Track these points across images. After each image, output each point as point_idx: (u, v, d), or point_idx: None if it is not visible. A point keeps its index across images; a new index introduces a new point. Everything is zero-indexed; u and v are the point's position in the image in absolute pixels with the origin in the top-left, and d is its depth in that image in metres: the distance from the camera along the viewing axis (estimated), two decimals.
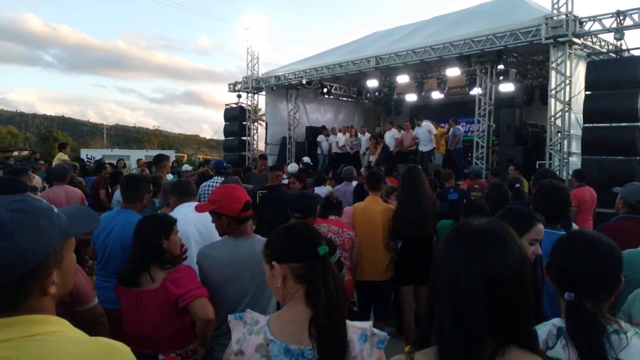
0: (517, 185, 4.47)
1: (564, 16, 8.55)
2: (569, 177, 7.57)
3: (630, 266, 2.46)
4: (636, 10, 8.04)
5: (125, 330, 2.38)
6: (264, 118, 16.84)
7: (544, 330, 1.37)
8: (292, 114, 15.88)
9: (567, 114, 8.82)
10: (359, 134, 13.91)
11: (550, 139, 9.07)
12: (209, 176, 6.44)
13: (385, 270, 4.05)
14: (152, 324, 2.26)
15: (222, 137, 16.98)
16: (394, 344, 4.55)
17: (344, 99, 17.89)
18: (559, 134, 8.91)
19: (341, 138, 14.23)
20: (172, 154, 20.60)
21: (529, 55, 11.97)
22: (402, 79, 14.36)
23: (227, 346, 1.46)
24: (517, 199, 4.25)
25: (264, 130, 15.94)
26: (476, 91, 11.04)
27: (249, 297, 2.26)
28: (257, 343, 1.38)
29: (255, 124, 16.50)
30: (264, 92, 15.87)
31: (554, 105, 8.99)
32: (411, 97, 16.44)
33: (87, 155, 20.27)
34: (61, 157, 9.88)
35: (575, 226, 3.60)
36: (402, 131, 12.94)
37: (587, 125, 8.39)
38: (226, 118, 16.37)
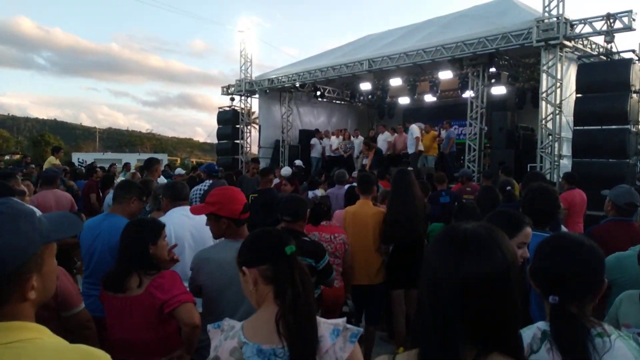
0: (508, 188, 4.48)
1: (554, 19, 8.61)
2: (560, 180, 7.61)
3: (620, 269, 2.48)
4: (626, 14, 8.11)
5: (110, 337, 2.35)
6: (257, 121, 16.83)
7: (529, 334, 1.37)
8: (285, 117, 15.87)
9: (558, 116, 8.87)
10: (352, 137, 13.93)
11: (541, 142, 9.12)
12: (200, 180, 6.41)
13: (376, 274, 4.04)
14: (137, 330, 2.23)
15: (215, 141, 16.95)
16: (385, 348, 4.55)
17: (338, 102, 17.91)
18: (550, 137, 8.96)
19: (334, 141, 14.23)
20: (164, 158, 20.52)
21: (520, 58, 12.05)
22: (395, 81, 14.41)
23: None
24: (508, 201, 4.26)
25: (257, 134, 15.92)
26: (468, 94, 11.09)
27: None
28: (231, 347, 1.41)
29: (249, 127, 16.47)
30: (257, 95, 15.85)
31: (545, 108, 9.04)
32: (404, 100, 16.49)
33: (78, 159, 20.14)
34: (52, 161, 9.81)
35: (564, 229, 3.61)
36: (395, 134, 12.97)
37: (577, 127, 8.44)
38: (219, 121, 16.34)
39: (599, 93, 8.12)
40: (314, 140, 14.73)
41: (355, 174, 8.78)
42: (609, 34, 8.32)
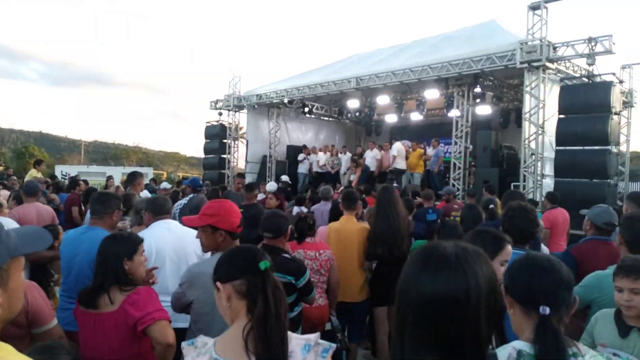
0: (491, 206, 4.53)
1: (538, 41, 8.82)
2: (542, 199, 7.70)
3: (599, 288, 2.49)
4: (607, 37, 8.33)
5: (83, 354, 2.28)
6: (245, 136, 16.82)
7: (504, 353, 1.36)
8: (273, 133, 15.90)
9: (540, 136, 9.02)
10: (340, 153, 13.98)
11: (525, 161, 9.25)
12: (184, 194, 6.36)
13: (360, 291, 4.01)
14: (110, 348, 2.17)
15: (202, 155, 16.88)
16: None
17: (325, 118, 18.01)
18: (533, 156, 9.10)
19: (322, 157, 14.27)
20: (149, 172, 20.33)
21: (504, 79, 12.29)
22: (382, 99, 14.56)
23: None
24: (491, 219, 4.30)
25: (245, 149, 15.91)
26: (454, 113, 11.24)
27: None
28: None
29: (236, 142, 16.46)
30: (245, 110, 15.88)
31: (528, 128, 9.19)
32: (391, 118, 16.64)
33: (62, 171, 19.84)
34: (33, 174, 9.66)
35: (544, 248, 3.64)
36: (382, 151, 13.07)
37: (559, 148, 8.59)
38: (207, 136, 16.31)
39: (580, 114, 8.30)
40: (301, 156, 14.75)
41: (341, 189, 8.79)
42: (591, 57, 8.54)
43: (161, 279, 3.01)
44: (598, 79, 8.89)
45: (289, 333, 1.44)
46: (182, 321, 2.77)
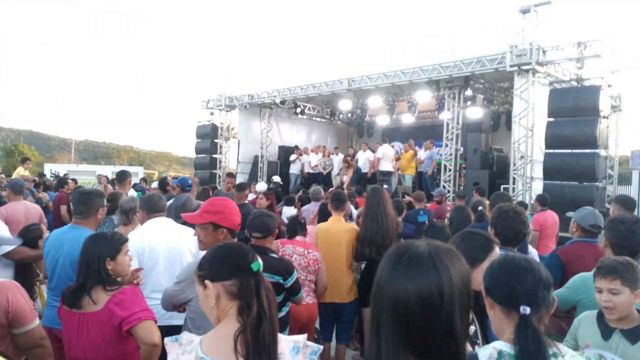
0: (480, 208, 4.55)
1: (528, 45, 8.89)
2: (532, 202, 7.76)
3: (584, 289, 2.51)
4: (596, 42, 8.42)
5: (66, 354, 2.26)
6: (236, 136, 16.77)
7: (485, 354, 1.37)
8: (264, 133, 15.86)
9: (530, 139, 9.09)
10: (332, 154, 13.99)
11: (514, 164, 9.31)
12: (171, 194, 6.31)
13: (348, 291, 4.01)
14: (95, 348, 2.15)
15: (194, 155, 16.81)
16: None
17: (317, 119, 18.01)
18: (523, 159, 9.16)
19: (314, 158, 14.27)
20: (140, 171, 20.19)
21: (495, 82, 12.37)
22: (374, 101, 14.59)
23: None
24: (479, 221, 4.32)
25: (236, 149, 15.86)
26: (445, 115, 11.29)
27: None
28: None
29: (228, 142, 16.40)
30: (237, 110, 15.83)
31: (517, 131, 9.26)
32: (383, 119, 16.69)
33: (51, 170, 19.65)
34: (20, 172, 9.55)
35: (532, 250, 3.67)
36: (375, 153, 13.09)
37: (548, 151, 8.65)
38: (198, 135, 16.24)
39: (569, 118, 8.38)
40: (293, 157, 14.74)
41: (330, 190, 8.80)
42: (580, 61, 8.62)
43: (154, 277, 3.00)
44: (587, 83, 8.97)
45: (279, 335, 1.43)
46: (178, 318, 2.76)
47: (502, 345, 1.37)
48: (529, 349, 1.29)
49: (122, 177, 5.84)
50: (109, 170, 18.65)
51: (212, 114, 16.09)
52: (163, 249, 3.06)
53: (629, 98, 12.04)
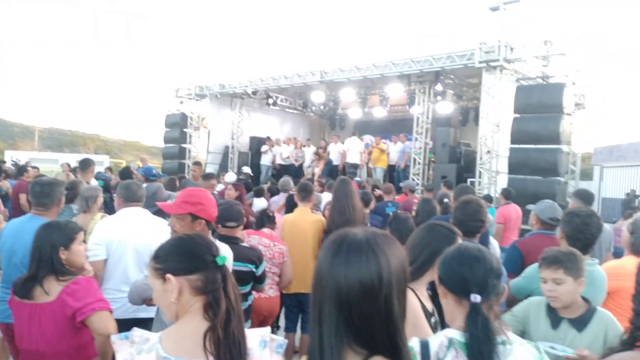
0: (445, 200, 4.63)
1: (496, 42, 9.06)
2: (497, 195, 7.96)
3: (538, 278, 2.58)
4: (561, 40, 8.66)
5: (17, 346, 2.18)
6: (206, 126, 16.51)
7: (436, 341, 1.39)
8: (236, 123, 15.67)
9: (496, 134, 9.31)
10: (303, 146, 13.96)
11: (481, 158, 9.52)
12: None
13: None
14: (48, 340, 2.08)
15: (163, 144, 16.46)
16: None
17: (290, 110, 17.92)
18: (489, 154, 9.37)
19: (285, 149, 14.20)
20: (106, 160, 19.66)
21: (464, 77, 12.57)
22: (347, 94, 14.60)
23: None
24: (444, 213, 4.39)
25: (207, 138, 15.62)
26: (415, 110, 11.42)
27: None
28: None
29: (197, 131, 16.13)
30: (207, 100, 15.58)
31: (484, 126, 9.47)
32: (355, 112, 16.74)
33: (12, 157, 18.89)
34: None
35: (493, 241, 3.76)
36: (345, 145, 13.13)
37: (513, 146, 8.88)
38: (167, 124, 15.89)
39: (534, 114, 8.60)
40: (264, 148, 14.63)
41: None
42: (545, 59, 8.86)
43: (122, 268, 2.91)
44: (552, 81, 9.23)
45: (245, 330, 1.39)
46: (145, 311, 2.70)
47: (453, 332, 1.40)
48: (479, 336, 1.32)
49: (85, 165, 5.68)
50: (73, 159, 18.06)
51: (181, 102, 15.78)
52: (134, 240, 2.96)
53: (593, 96, 12.42)
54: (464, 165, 10.82)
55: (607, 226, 4.54)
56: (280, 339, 1.42)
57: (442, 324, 1.92)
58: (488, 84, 9.37)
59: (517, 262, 3.20)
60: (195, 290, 1.35)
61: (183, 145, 15.62)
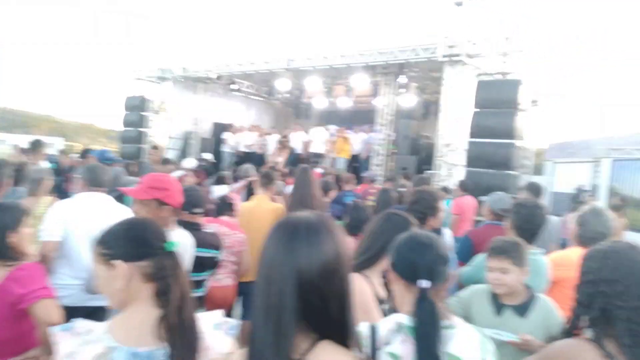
0: (402, 189, 4.72)
1: (459, 37, 9.25)
2: (454, 187, 8.18)
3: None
4: (520, 37, 8.93)
5: None
6: (168, 110, 16.06)
7: (385, 326, 1.43)
8: (198, 108, 15.33)
9: (455, 128, 9.54)
10: (268, 134, 13.84)
11: (440, 151, 9.75)
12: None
13: None
14: None
15: (121, 128, 15.91)
16: None
17: (255, 97, 17.69)
18: (448, 147, 9.61)
19: (249, 137, 14.04)
20: (59, 142, 18.82)
21: (428, 71, 12.77)
22: (312, 82, 14.56)
23: None
24: (400, 203, 4.49)
25: (167, 123, 15.21)
26: (379, 101, 11.54)
27: None
28: (96, 353, 1.23)
29: (158, 115, 15.67)
30: (169, 83, 15.14)
31: (444, 120, 9.68)
32: (320, 102, 16.73)
33: None
34: None
35: (447, 230, 3.88)
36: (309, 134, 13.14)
37: (472, 140, 9.14)
38: (126, 107, 15.33)
39: (492, 109, 8.87)
40: (226, 135, 14.41)
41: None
42: (504, 55, 9.12)
43: (78, 254, 2.80)
44: (510, 77, 9.51)
45: (196, 314, 1.38)
46: (100, 299, 2.62)
47: (401, 317, 1.44)
48: (425, 320, 1.37)
49: (35, 146, 5.44)
50: (25, 140, 17.17)
51: (142, 85, 15.29)
52: (91, 227, 2.83)
53: (548, 93, 12.93)
54: (424, 157, 11.05)
55: (555, 219, 4.79)
56: (233, 321, 1.43)
57: (395, 311, 1.97)
58: (450, 78, 9.56)
59: (468, 251, 3.32)
60: (145, 277, 1.32)
61: (142, 129, 15.17)
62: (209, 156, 11.33)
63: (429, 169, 10.17)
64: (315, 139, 12.24)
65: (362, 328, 1.41)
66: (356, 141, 12.77)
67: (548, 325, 2.06)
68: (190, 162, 7.59)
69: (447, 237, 3.63)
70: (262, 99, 17.83)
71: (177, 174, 7.41)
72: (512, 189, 8.37)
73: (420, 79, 13.08)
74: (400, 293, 1.50)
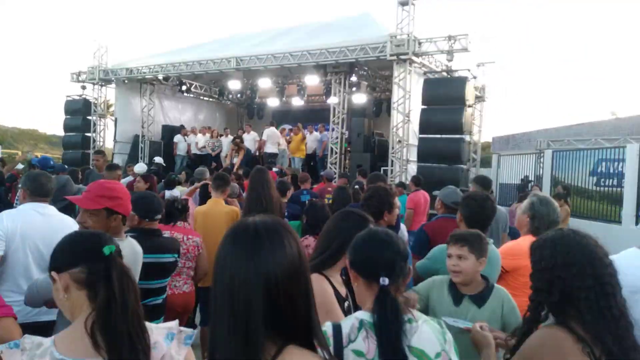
0: (356, 187, 4.78)
1: (405, 36, 9.47)
2: (408, 182, 8.38)
3: (442, 259, 2.70)
4: (463, 36, 9.26)
5: None
6: (113, 113, 15.43)
7: (348, 324, 1.43)
8: (146, 111, 14.82)
9: (406, 125, 9.77)
10: (221, 135, 13.61)
11: (393, 148, 9.96)
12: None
13: None
14: None
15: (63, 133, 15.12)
16: None
17: (205, 98, 17.34)
18: (400, 143, 9.83)
19: (201, 139, 13.75)
20: None
21: (378, 69, 13.01)
22: (264, 82, 14.46)
23: None
24: (357, 200, 4.53)
25: (113, 127, 14.60)
26: (332, 100, 11.62)
27: None
28: None
29: (103, 119, 15.02)
30: (113, 85, 14.54)
31: (395, 117, 9.90)
32: (273, 102, 16.65)
33: None
34: None
35: (403, 226, 3.96)
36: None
37: (422, 136, 9.40)
38: (67, 111, 14.60)
39: (440, 106, 9.16)
40: (178, 137, 14.04)
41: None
42: (450, 53, 9.43)
43: (23, 269, 2.63)
44: (456, 75, 9.86)
45: (148, 324, 1.32)
46: (47, 314, 2.48)
47: (363, 314, 1.45)
48: (387, 317, 1.38)
49: None
50: None
51: (83, 87, 14.58)
52: (36, 238, 2.67)
53: (492, 89, 13.52)
54: (377, 154, 11.24)
55: (502, 209, 4.99)
56: (190, 330, 1.38)
57: (355, 308, 1.99)
58: (399, 77, 9.78)
59: (424, 244, 3.40)
60: (79, 284, 1.29)
61: (87, 134, 14.49)
62: (159, 160, 10.99)
63: (383, 166, 10.36)
64: (269, 139, 12.15)
65: (326, 328, 1.41)
66: (310, 140, 12.80)
67: (503, 313, 2.15)
68: (141, 167, 7.31)
69: (402, 231, 3.70)
70: (213, 99, 17.51)
71: (126, 180, 7.14)
72: (463, 182, 8.69)
73: (371, 77, 13.30)
74: (361, 290, 1.50)
